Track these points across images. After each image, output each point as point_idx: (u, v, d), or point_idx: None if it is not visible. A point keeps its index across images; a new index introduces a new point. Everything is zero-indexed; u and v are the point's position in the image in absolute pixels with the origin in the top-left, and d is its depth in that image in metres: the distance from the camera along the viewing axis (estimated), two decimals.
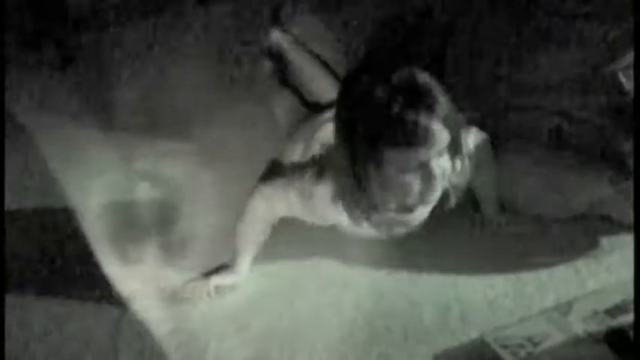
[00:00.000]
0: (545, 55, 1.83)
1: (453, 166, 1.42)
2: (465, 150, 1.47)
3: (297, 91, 1.79)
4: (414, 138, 1.35)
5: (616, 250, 1.71)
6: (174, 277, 1.68)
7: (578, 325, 1.55)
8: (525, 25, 1.88)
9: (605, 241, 1.73)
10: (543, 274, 1.66)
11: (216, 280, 1.64)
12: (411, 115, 1.34)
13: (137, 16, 2.48)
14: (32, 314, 1.63)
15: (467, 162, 1.49)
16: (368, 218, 1.48)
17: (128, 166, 1.95)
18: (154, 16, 2.49)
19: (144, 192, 1.87)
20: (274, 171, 1.58)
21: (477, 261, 1.70)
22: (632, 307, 1.58)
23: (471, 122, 1.60)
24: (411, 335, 1.55)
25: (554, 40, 1.83)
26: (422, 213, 1.52)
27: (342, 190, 1.45)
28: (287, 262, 1.70)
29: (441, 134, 1.36)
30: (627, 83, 1.72)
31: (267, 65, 1.89)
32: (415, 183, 1.39)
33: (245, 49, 2.33)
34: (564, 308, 1.59)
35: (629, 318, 1.58)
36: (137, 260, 1.73)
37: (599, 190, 1.76)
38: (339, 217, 1.52)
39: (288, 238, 1.72)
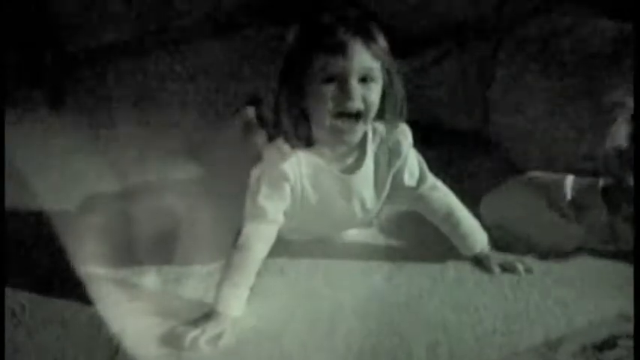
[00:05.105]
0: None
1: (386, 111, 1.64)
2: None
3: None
4: (337, 46, 1.54)
5: (603, 285, 1.72)
6: (169, 315, 1.67)
7: None
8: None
9: (593, 275, 1.74)
10: (532, 310, 1.67)
11: (210, 332, 1.61)
12: (341, 29, 1.55)
13: (135, 52, 2.51)
14: (24, 353, 1.63)
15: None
16: (306, 135, 1.64)
17: (125, 202, 1.96)
18: (151, 52, 2.51)
19: (140, 229, 1.88)
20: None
21: (466, 296, 1.71)
22: (619, 342, 1.60)
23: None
24: None
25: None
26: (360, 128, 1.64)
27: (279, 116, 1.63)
28: (276, 301, 1.70)
29: (366, 57, 1.56)
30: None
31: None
32: (330, 91, 1.57)
33: (246, 86, 2.36)
34: (553, 344, 1.60)
35: (617, 353, 1.60)
36: (131, 297, 1.73)
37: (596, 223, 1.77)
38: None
39: (276, 276, 1.74)
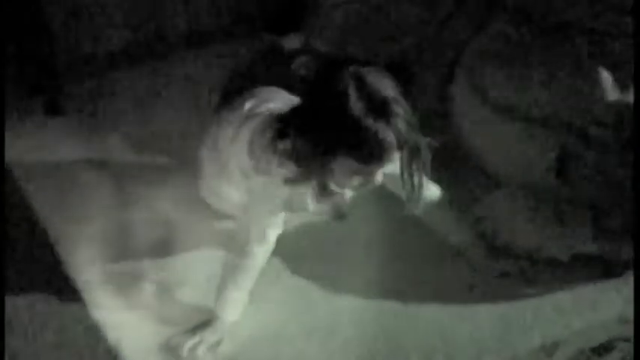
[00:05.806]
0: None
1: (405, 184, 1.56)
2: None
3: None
4: (372, 159, 1.45)
5: (601, 289, 1.72)
6: (166, 322, 1.68)
7: None
8: None
9: (589, 280, 1.74)
10: (528, 314, 1.67)
11: (208, 340, 1.62)
12: (376, 134, 1.41)
13: (131, 61, 2.51)
14: None
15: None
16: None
17: (123, 210, 1.96)
18: (144, 63, 2.51)
19: (137, 238, 1.88)
20: None
21: (462, 300, 1.71)
22: (617, 345, 1.61)
23: None
24: None
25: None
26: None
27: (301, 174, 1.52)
28: (273, 308, 1.70)
29: (395, 156, 1.47)
30: None
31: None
32: (354, 180, 1.51)
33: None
34: (550, 349, 1.61)
35: (614, 356, 1.60)
36: (128, 306, 1.73)
37: (583, 245, 1.77)
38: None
39: (273, 283, 1.74)
